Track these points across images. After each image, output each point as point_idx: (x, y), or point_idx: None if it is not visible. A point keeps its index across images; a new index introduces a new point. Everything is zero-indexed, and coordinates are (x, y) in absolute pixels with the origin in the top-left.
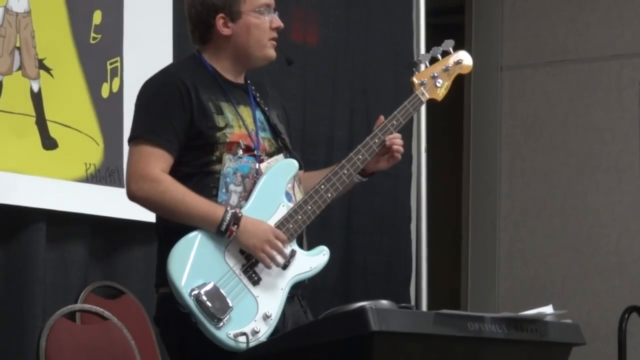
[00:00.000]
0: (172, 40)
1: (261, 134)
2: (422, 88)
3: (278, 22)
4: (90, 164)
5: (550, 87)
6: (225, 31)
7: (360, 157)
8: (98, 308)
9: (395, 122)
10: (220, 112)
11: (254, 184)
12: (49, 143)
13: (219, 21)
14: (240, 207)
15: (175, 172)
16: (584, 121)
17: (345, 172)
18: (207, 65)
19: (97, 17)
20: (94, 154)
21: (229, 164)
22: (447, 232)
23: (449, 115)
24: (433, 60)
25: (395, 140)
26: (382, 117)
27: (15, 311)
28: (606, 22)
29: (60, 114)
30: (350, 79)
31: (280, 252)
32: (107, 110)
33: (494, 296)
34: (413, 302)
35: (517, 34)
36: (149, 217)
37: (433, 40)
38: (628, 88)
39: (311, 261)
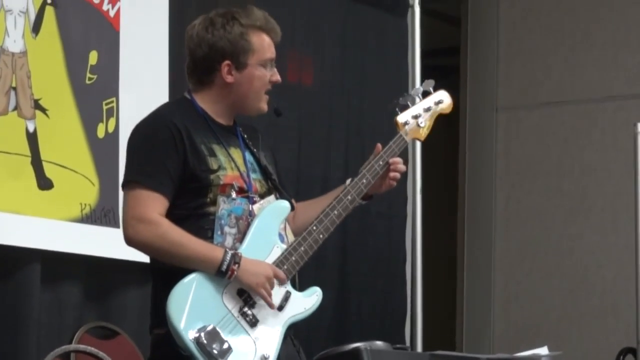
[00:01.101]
0: (168, 81)
1: (252, 175)
2: (405, 128)
3: (277, 77)
4: (85, 204)
5: (546, 128)
6: (229, 78)
7: (350, 197)
8: (92, 349)
9: (381, 163)
10: (213, 154)
11: (248, 225)
12: (44, 183)
13: (224, 68)
14: (236, 249)
15: (169, 214)
16: (579, 162)
17: (336, 213)
18: (197, 107)
19: (93, 58)
20: (90, 194)
21: (223, 206)
22: (442, 272)
23: (444, 155)
24: (415, 101)
25: (399, 167)
26: (379, 146)
27: (9, 351)
28: (601, 64)
29: (56, 154)
30: (345, 119)
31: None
32: (102, 151)
33: (489, 337)
34: (408, 343)
35: (512, 75)
36: (144, 257)
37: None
38: (623, 129)
39: (305, 302)
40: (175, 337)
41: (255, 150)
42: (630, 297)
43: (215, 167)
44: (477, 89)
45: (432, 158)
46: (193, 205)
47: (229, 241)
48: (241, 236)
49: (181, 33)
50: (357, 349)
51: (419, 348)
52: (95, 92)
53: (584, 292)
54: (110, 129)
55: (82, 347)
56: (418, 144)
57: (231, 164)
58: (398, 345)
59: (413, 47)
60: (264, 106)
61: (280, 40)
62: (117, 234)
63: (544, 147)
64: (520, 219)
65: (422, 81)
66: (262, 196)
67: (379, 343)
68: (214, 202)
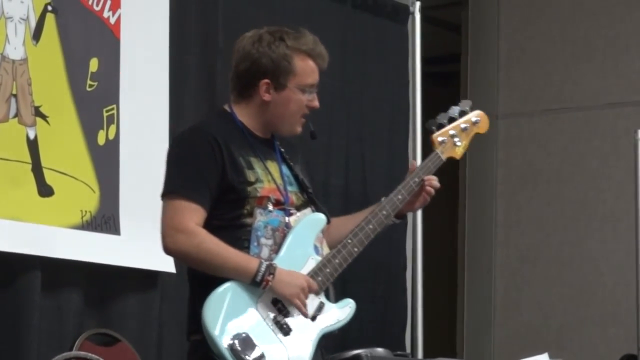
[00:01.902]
0: (168, 88)
1: (289, 188)
2: (441, 147)
3: (316, 103)
4: (86, 211)
5: (546, 135)
6: (266, 97)
7: (384, 212)
8: (93, 355)
9: (417, 180)
10: (251, 167)
11: (284, 237)
12: (45, 190)
13: (263, 86)
14: (271, 260)
15: (206, 225)
16: (580, 169)
17: (371, 227)
18: (237, 121)
19: (93, 65)
20: (90, 201)
21: (260, 218)
22: (443, 279)
23: (443, 164)
24: (451, 120)
25: (433, 183)
26: (414, 163)
27: (10, 358)
28: (601, 71)
29: (57, 161)
30: (346, 126)
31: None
32: (103, 158)
33: (490, 344)
34: (409, 350)
35: (512, 83)
36: (144, 264)
37: (429, 88)
38: (623, 136)
39: (339, 313)
40: (210, 344)
41: (292, 163)
42: (630, 304)
43: (252, 179)
44: (477, 96)
45: None
46: (230, 216)
47: (265, 252)
48: (277, 247)
49: (181, 40)
50: (358, 356)
51: (420, 355)
52: (95, 99)
53: (585, 299)
54: (111, 136)
55: (82, 353)
56: (418, 152)
57: (268, 177)
58: (399, 352)
59: (414, 54)
60: (297, 129)
61: (327, 66)
62: (118, 241)
63: (544, 154)
64: (520, 226)
65: (423, 88)
66: (299, 209)
67: (379, 350)
68: (251, 214)
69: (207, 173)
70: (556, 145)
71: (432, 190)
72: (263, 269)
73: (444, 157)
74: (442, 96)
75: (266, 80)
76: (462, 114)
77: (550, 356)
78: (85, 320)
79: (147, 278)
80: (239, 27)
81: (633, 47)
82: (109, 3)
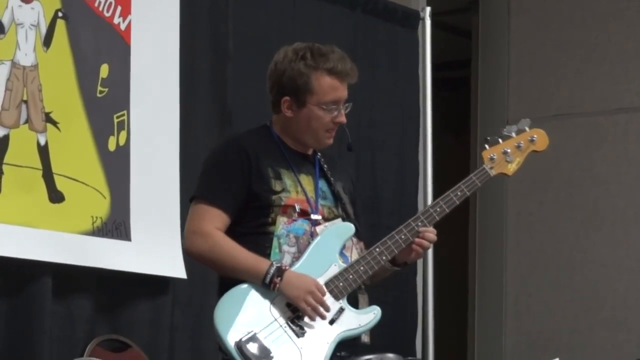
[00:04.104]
0: (178, 94)
1: (321, 202)
2: (491, 162)
3: (341, 119)
4: (96, 217)
5: (557, 140)
6: (288, 113)
7: (420, 223)
8: None
9: (459, 193)
10: (279, 177)
11: (308, 245)
12: (55, 196)
13: (285, 103)
14: (291, 266)
15: (233, 231)
16: (590, 175)
17: (403, 237)
18: (274, 135)
19: (104, 71)
20: (101, 207)
21: (282, 226)
22: (454, 285)
23: (455, 169)
24: (506, 137)
25: (426, 235)
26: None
27: None
28: (612, 76)
29: (67, 167)
30: (355, 133)
31: (323, 305)
32: (113, 164)
33: (501, 350)
34: (419, 356)
35: (523, 88)
36: (155, 270)
37: (439, 93)
38: (634, 142)
39: (360, 319)
40: (220, 342)
41: (332, 179)
42: None
43: (278, 189)
44: (487, 101)
45: (443, 172)
46: (255, 224)
47: (287, 259)
48: (300, 255)
49: (192, 46)
50: None
51: None
52: (106, 105)
53: (596, 305)
54: (122, 142)
55: (93, 359)
56: (429, 158)
57: (297, 188)
58: (410, 358)
59: (424, 59)
60: (325, 142)
61: (356, 80)
62: (128, 246)
63: (554, 160)
64: (531, 231)
65: (433, 94)
66: (329, 220)
67: (390, 356)
68: (275, 222)
69: (232, 181)
70: (567, 151)
71: (425, 243)
72: (272, 271)
73: (493, 172)
74: (452, 102)
75: (287, 98)
76: (520, 132)
77: None
78: (96, 326)
79: (158, 284)
80: (249, 33)
81: None
82: (119, 9)
